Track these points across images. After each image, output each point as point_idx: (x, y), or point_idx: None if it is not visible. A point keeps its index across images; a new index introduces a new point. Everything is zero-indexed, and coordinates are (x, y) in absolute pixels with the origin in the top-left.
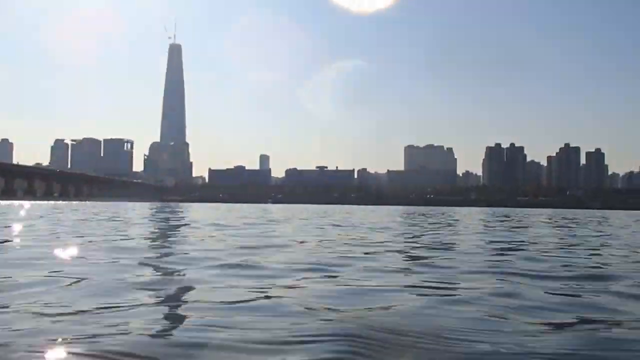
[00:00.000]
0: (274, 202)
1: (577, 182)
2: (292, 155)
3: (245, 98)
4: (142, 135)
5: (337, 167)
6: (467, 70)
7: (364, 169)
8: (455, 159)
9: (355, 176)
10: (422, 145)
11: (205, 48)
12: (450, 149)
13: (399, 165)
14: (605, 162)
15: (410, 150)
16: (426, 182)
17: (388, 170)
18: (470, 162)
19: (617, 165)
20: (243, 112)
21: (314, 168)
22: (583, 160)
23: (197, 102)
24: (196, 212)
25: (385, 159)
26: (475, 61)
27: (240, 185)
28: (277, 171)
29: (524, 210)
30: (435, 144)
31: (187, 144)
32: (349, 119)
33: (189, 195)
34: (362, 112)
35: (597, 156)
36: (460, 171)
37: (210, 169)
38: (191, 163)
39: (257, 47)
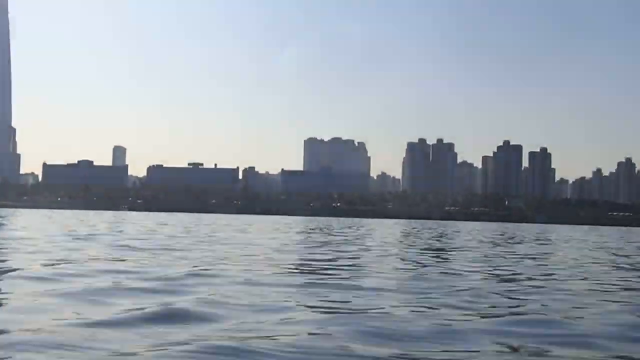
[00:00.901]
0: (130, 209)
1: (517, 188)
2: (157, 148)
3: (94, 71)
4: None
5: (215, 165)
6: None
7: (251, 168)
8: (369, 157)
9: (240, 176)
10: (326, 138)
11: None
12: (362, 144)
13: (296, 164)
14: (552, 166)
15: (311, 145)
16: (332, 186)
17: (283, 170)
18: (387, 161)
19: (566, 170)
20: (92, 91)
21: (185, 165)
22: (525, 163)
23: (29, 75)
24: (16, 226)
25: (278, 156)
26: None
27: (85, 187)
28: (137, 168)
29: (453, 223)
30: (344, 137)
31: (13, 130)
32: (231, 102)
33: (14, 199)
34: (249, 96)
35: (542, 157)
36: (375, 173)
37: (45, 164)
38: (18, 155)
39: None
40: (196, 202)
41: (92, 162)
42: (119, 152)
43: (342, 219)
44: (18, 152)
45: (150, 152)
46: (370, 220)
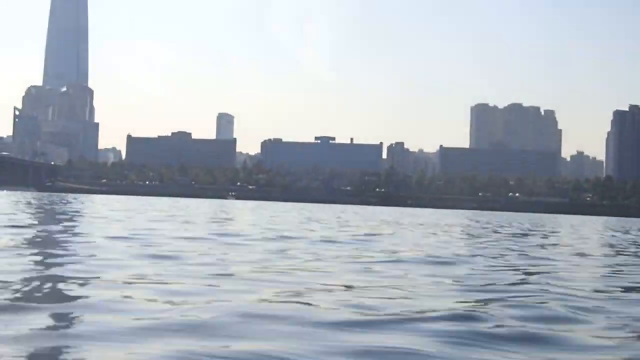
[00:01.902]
0: (237, 198)
1: None
2: (274, 118)
3: (188, 23)
4: (8, 75)
5: (352, 140)
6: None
7: (399, 145)
8: (560, 130)
9: (384, 155)
10: (501, 105)
11: None
12: (550, 113)
13: (460, 139)
14: None
15: (480, 113)
16: (507, 168)
17: (441, 147)
18: (585, 137)
19: None
20: (185, 46)
21: (310, 140)
22: None
23: (110, 25)
24: (89, 224)
25: (436, 129)
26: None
27: (181, 167)
28: (247, 143)
29: None
30: (525, 104)
31: (90, 91)
32: (372, 61)
33: (90, 181)
34: (393, 53)
35: None
36: (568, 152)
37: (129, 137)
38: (96, 125)
39: None
40: (325, 188)
41: (189, 134)
42: (224, 121)
43: (523, 214)
44: (96, 120)
45: (264, 122)
46: (562, 217)
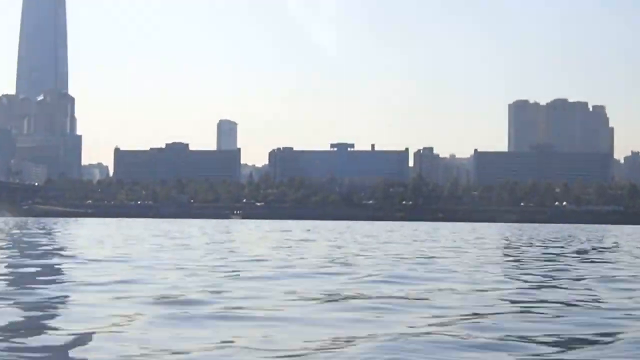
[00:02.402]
0: (243, 217)
1: None
2: (284, 124)
3: (181, 19)
4: None
5: (373, 147)
6: None
7: (428, 150)
8: (611, 129)
9: (411, 163)
10: (543, 101)
11: None
12: (599, 110)
13: (498, 142)
14: None
15: (520, 111)
16: (552, 173)
17: (476, 152)
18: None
19: None
20: (178, 45)
21: (325, 147)
22: None
23: (89, 27)
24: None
25: (469, 132)
26: None
27: (178, 183)
28: (253, 154)
29: None
30: (571, 99)
31: (71, 99)
32: (391, 60)
33: (74, 202)
34: (418, 48)
35: None
36: (621, 153)
37: (118, 150)
38: (79, 138)
39: None
40: (344, 202)
41: (186, 145)
42: (226, 129)
43: (571, 226)
44: (78, 132)
45: (272, 130)
46: (615, 227)
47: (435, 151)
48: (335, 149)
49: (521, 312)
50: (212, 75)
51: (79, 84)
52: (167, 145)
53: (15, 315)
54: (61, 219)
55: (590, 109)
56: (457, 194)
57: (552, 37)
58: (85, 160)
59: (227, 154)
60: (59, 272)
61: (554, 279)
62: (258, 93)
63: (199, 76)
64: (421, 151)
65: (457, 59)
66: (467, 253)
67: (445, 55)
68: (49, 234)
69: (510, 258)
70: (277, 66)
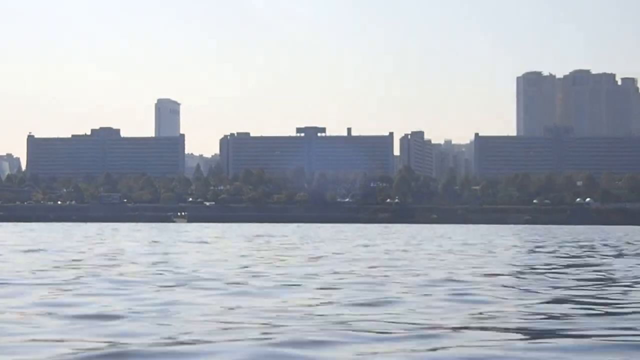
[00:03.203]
0: (189, 220)
1: None
2: (238, 104)
3: None
4: None
5: (349, 131)
6: None
7: (417, 135)
8: None
9: (397, 151)
10: (560, 73)
11: None
12: (630, 82)
13: (502, 124)
14: None
15: (531, 85)
16: (572, 162)
17: (477, 136)
18: None
19: None
20: (106, 9)
21: (292, 133)
22: None
23: None
24: None
25: (468, 112)
26: None
27: (107, 176)
28: (200, 141)
29: None
30: (594, 71)
31: None
32: (368, 27)
33: None
34: (402, 14)
35: None
36: None
37: (31, 138)
38: None
39: None
40: (315, 201)
41: (117, 131)
42: (166, 110)
43: (598, 227)
44: None
45: (223, 111)
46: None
47: (426, 136)
48: (302, 134)
49: None
50: (148, 45)
51: None
52: (93, 131)
53: None
54: None
55: (619, 82)
56: (454, 189)
57: None
58: None
59: (167, 142)
60: None
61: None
62: (204, 67)
63: (131, 47)
64: (409, 136)
65: (451, 21)
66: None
67: (436, 17)
68: None
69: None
70: (228, 33)
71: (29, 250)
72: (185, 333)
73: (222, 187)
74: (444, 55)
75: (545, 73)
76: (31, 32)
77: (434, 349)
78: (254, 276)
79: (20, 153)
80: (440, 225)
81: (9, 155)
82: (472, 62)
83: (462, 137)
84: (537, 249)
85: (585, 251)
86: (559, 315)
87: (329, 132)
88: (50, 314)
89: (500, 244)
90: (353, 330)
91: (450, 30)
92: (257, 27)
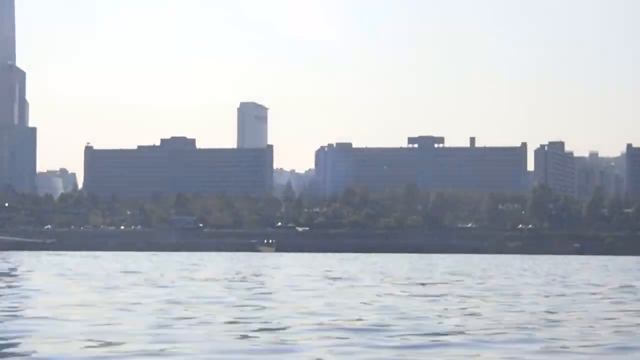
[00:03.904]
0: (278, 249)
1: None
2: (336, 110)
3: None
4: None
5: (472, 141)
6: None
7: (556, 146)
8: None
9: (530, 166)
10: None
11: None
12: None
13: None
14: None
15: None
16: None
17: (630, 147)
18: None
19: None
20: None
21: (403, 144)
22: None
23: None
24: None
25: (617, 118)
26: None
27: (178, 199)
28: (292, 154)
29: None
30: None
31: (21, 74)
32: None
33: (26, 227)
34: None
35: None
36: None
37: (89, 150)
38: (32, 131)
39: None
40: (430, 226)
41: (192, 141)
42: (250, 117)
43: None
44: (31, 124)
45: (320, 118)
46: None
47: (567, 147)
48: (416, 145)
49: None
50: (228, 40)
51: (30, 54)
52: (163, 141)
53: None
54: (6, 254)
55: None
56: (601, 212)
57: None
58: (42, 165)
59: (252, 154)
60: None
61: None
62: (295, 65)
63: (208, 41)
64: (546, 148)
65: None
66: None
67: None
68: None
69: None
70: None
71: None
72: None
73: (317, 210)
74: (587, 52)
75: None
76: (90, 34)
77: None
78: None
79: (77, 168)
80: (583, 256)
81: (63, 171)
82: (622, 61)
83: (611, 148)
84: None
85: None
86: None
87: (447, 143)
88: None
89: None
90: None
91: (601, 27)
92: (359, 21)
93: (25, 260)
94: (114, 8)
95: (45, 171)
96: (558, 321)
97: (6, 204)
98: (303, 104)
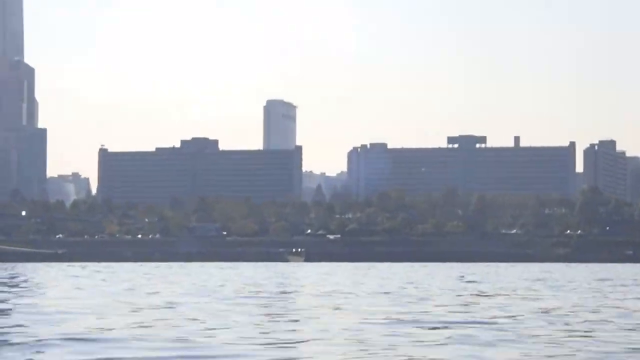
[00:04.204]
0: (307, 259)
1: None
2: (369, 107)
3: None
4: None
5: (516, 141)
6: None
7: (607, 145)
8: None
9: (579, 167)
10: None
11: None
12: None
13: None
14: None
15: None
16: None
17: None
18: None
19: None
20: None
21: (443, 144)
22: None
23: None
24: None
25: None
26: None
27: (200, 205)
28: (322, 155)
29: None
30: None
31: (30, 70)
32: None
33: (36, 236)
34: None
35: None
36: None
37: (104, 152)
38: (43, 132)
39: None
40: (474, 232)
41: (214, 142)
42: (277, 116)
43: None
44: (40, 125)
45: (352, 116)
46: None
47: (618, 147)
48: (456, 145)
49: None
50: (253, 34)
51: (39, 51)
52: (183, 143)
53: None
54: (15, 265)
55: None
56: None
57: None
58: (53, 169)
59: (279, 156)
60: None
61: None
62: (326, 60)
63: (231, 35)
64: (596, 147)
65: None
66: None
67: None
68: None
69: None
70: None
71: None
72: None
73: (350, 215)
74: (638, 47)
75: None
76: (105, 28)
77: None
78: None
79: (90, 172)
80: (636, 264)
81: (75, 175)
82: None
83: None
84: None
85: None
86: None
87: (490, 143)
88: None
89: None
90: None
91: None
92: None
93: (41, 273)
94: (133, 2)
95: (56, 176)
96: None
97: (14, 212)
98: (334, 101)
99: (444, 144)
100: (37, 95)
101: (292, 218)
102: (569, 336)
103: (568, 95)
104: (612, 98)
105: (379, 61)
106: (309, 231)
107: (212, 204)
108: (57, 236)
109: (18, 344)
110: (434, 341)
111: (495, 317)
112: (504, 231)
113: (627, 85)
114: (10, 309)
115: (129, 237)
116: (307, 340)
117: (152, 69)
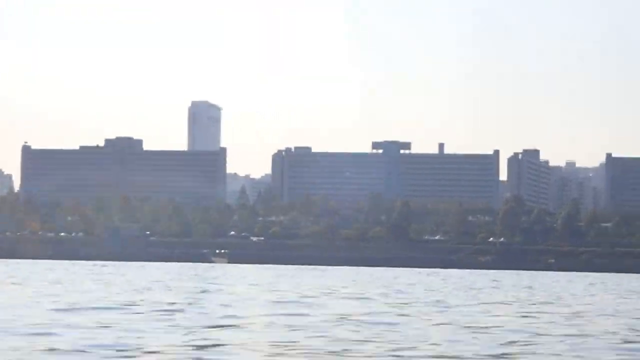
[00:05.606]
0: (231, 260)
1: None
2: (297, 111)
3: None
4: None
5: (440, 147)
6: None
7: (530, 154)
8: None
9: (502, 175)
10: None
11: None
12: None
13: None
14: None
15: None
16: None
17: (609, 157)
18: None
19: None
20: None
21: (367, 149)
22: None
23: None
24: None
25: (598, 124)
26: None
27: (123, 205)
28: (246, 157)
29: None
30: None
31: None
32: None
33: None
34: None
35: None
36: None
37: (26, 149)
38: None
39: None
40: (396, 238)
41: (138, 142)
42: (202, 117)
43: None
44: None
45: (278, 119)
46: None
47: (542, 156)
48: (380, 150)
49: None
50: (179, 34)
51: None
52: (107, 142)
53: None
54: None
55: None
56: (577, 226)
57: None
58: None
59: (204, 158)
60: None
61: None
62: (253, 63)
63: (158, 36)
64: (519, 156)
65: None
66: None
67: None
68: None
69: None
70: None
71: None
72: None
73: (274, 218)
74: (563, 58)
75: None
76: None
77: None
78: None
79: (13, 169)
80: (560, 273)
81: None
82: (603, 65)
83: (590, 158)
84: None
85: None
86: None
87: (414, 149)
88: None
89: None
90: None
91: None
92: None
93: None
94: None
95: None
96: None
97: None
98: (259, 104)
99: (368, 149)
100: None
101: (216, 220)
102: None
103: (493, 104)
104: (537, 107)
105: (303, 67)
106: (232, 233)
107: (137, 205)
108: None
109: None
110: None
111: None
112: (427, 237)
113: (551, 95)
114: None
115: (52, 235)
116: None
117: (78, 66)
